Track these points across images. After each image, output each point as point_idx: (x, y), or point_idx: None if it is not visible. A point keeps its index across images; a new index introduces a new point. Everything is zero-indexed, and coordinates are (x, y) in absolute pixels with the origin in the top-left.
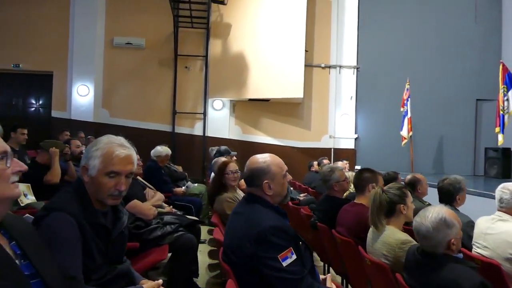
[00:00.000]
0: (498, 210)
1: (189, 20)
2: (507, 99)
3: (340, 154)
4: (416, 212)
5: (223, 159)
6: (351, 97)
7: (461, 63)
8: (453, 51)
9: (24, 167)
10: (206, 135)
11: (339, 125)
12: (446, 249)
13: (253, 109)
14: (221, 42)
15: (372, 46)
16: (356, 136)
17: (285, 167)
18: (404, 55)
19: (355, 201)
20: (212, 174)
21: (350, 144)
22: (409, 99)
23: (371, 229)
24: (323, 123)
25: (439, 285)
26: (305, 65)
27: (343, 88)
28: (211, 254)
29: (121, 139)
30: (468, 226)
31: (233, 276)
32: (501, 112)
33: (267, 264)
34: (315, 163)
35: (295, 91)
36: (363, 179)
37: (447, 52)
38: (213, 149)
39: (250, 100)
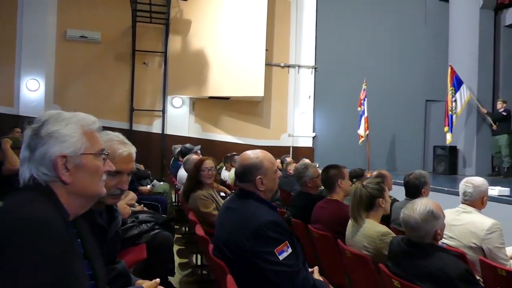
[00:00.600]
0: (462, 203)
1: (147, 15)
2: (455, 100)
3: (298, 152)
4: None
5: (194, 156)
6: (309, 96)
7: (412, 65)
8: (405, 54)
9: (113, 167)
10: (165, 133)
11: (298, 124)
12: (432, 239)
13: (213, 107)
14: (180, 38)
15: (329, 47)
16: (314, 134)
17: (276, 163)
18: (360, 56)
19: (328, 197)
20: (181, 172)
21: (308, 143)
22: (365, 99)
23: (350, 223)
24: (282, 121)
25: (427, 272)
26: (265, 64)
27: (302, 88)
28: (180, 253)
29: (119, 135)
30: None
31: (228, 271)
32: (450, 113)
33: (264, 258)
34: (278, 161)
35: (256, 89)
36: (331, 176)
37: (400, 55)
38: (176, 147)
39: (210, 98)
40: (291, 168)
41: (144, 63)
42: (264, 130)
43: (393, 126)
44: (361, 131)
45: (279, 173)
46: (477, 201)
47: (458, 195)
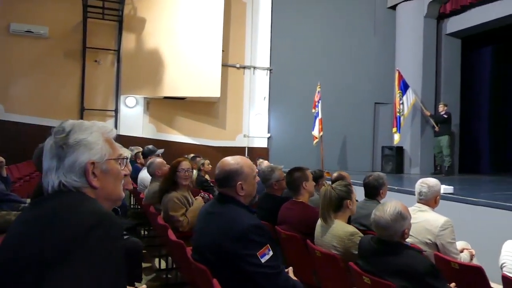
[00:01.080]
0: (418, 202)
1: (99, 11)
2: (402, 103)
3: (254, 152)
4: None
5: (159, 160)
6: (265, 97)
7: (362, 69)
8: (356, 59)
9: (128, 171)
10: (118, 133)
11: (253, 125)
12: (400, 237)
13: (168, 107)
14: (134, 36)
15: (284, 50)
16: (269, 135)
17: (256, 169)
18: (313, 59)
19: (294, 199)
20: (143, 174)
21: (263, 143)
22: (320, 101)
23: (319, 223)
24: (238, 122)
25: (397, 268)
26: (221, 65)
27: (257, 89)
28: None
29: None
30: None
31: (212, 275)
32: (398, 114)
33: (247, 261)
34: None
35: (212, 90)
36: (296, 178)
37: (351, 59)
38: (133, 149)
39: (165, 98)
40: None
41: (96, 61)
42: (219, 131)
43: (344, 128)
44: (316, 132)
45: (258, 178)
46: (431, 200)
47: (406, 193)
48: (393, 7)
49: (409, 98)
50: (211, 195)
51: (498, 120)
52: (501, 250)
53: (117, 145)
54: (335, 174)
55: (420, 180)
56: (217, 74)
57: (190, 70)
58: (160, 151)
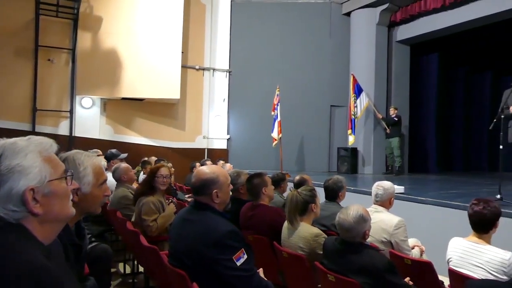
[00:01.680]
0: (374, 204)
1: (53, 8)
2: (356, 106)
3: (213, 154)
4: None
5: (124, 165)
6: (224, 99)
7: (319, 73)
8: (312, 63)
9: (77, 185)
10: (73, 135)
11: (213, 126)
12: (362, 238)
13: (126, 108)
14: (91, 35)
15: (243, 52)
16: (228, 136)
17: (229, 177)
18: (272, 62)
19: (253, 203)
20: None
21: (222, 145)
22: (279, 104)
23: (286, 226)
24: (197, 124)
25: (359, 266)
26: (181, 66)
27: (216, 90)
28: None
29: (82, 152)
30: None
31: (188, 280)
32: (352, 117)
33: (224, 265)
34: (197, 164)
35: (172, 91)
36: (255, 185)
37: (308, 63)
38: (93, 152)
39: (123, 99)
40: None
41: (49, 60)
42: (179, 132)
43: (302, 129)
44: (275, 134)
45: (230, 186)
46: (386, 202)
47: (361, 193)
48: (348, 14)
49: (363, 101)
50: (174, 198)
51: (443, 122)
52: (448, 246)
53: (88, 154)
54: (297, 177)
55: (376, 183)
56: (177, 76)
57: (149, 71)
58: (123, 155)
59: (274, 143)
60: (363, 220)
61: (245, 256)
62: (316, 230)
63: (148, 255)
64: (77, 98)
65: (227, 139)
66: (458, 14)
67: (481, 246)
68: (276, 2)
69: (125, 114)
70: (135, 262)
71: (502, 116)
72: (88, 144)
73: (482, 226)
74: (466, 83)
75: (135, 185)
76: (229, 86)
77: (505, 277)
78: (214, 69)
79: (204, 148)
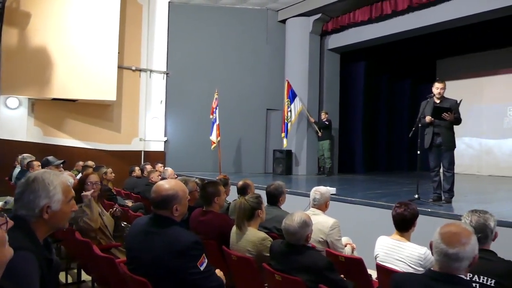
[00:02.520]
0: (312, 207)
1: None
2: (290, 110)
3: (150, 156)
4: None
5: (67, 173)
6: (161, 101)
7: (255, 78)
8: (249, 67)
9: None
10: None
11: (149, 128)
12: (305, 241)
13: (56, 109)
14: (17, 32)
15: (181, 54)
16: (165, 139)
17: (187, 190)
18: (210, 65)
19: (204, 209)
20: None
21: (160, 147)
22: (217, 107)
23: (234, 231)
24: (134, 125)
25: (303, 266)
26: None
27: (154, 92)
28: None
29: (50, 171)
30: None
31: (151, 287)
32: (286, 121)
33: (190, 272)
34: (137, 168)
35: (108, 93)
36: (209, 193)
37: (245, 67)
38: (26, 157)
39: (54, 99)
40: (154, 176)
41: None
42: (114, 134)
43: (239, 132)
44: (213, 137)
45: (188, 197)
46: (323, 205)
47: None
48: (283, 21)
49: (296, 106)
50: (117, 204)
51: (369, 126)
52: (376, 243)
53: (56, 172)
54: (240, 182)
55: (314, 188)
56: (113, 76)
57: (83, 71)
58: (59, 161)
59: (212, 146)
60: (306, 225)
61: (206, 260)
62: (262, 234)
63: (103, 264)
64: (2, 98)
65: (165, 142)
66: (383, 27)
67: (402, 243)
68: (214, 6)
69: (56, 115)
70: (80, 272)
71: (420, 125)
72: (14, 147)
73: (403, 225)
74: (389, 90)
75: None
76: (167, 88)
77: (421, 269)
78: (151, 70)
79: (141, 151)
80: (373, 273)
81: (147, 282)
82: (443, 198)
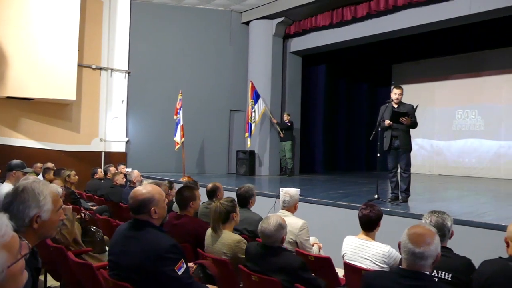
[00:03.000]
0: (282, 209)
1: None
2: (254, 111)
3: (111, 157)
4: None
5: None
6: (123, 100)
7: (219, 78)
8: (213, 68)
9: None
10: None
11: (110, 128)
12: (280, 243)
13: (11, 108)
14: None
15: (143, 53)
16: (127, 139)
17: (164, 193)
18: (174, 66)
19: (179, 213)
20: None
21: (121, 147)
22: (181, 108)
23: (209, 234)
24: (94, 125)
25: (278, 266)
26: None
27: (115, 91)
28: None
29: (39, 180)
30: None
31: None
32: (250, 121)
33: (168, 275)
34: (99, 170)
35: (67, 92)
36: (185, 197)
37: (208, 68)
38: None
39: (8, 98)
40: (118, 179)
41: None
42: (73, 135)
43: (202, 133)
44: (177, 138)
45: (167, 199)
46: (292, 207)
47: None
48: (247, 23)
49: (260, 107)
50: (82, 208)
51: (329, 127)
52: (342, 243)
53: (45, 182)
54: (210, 185)
55: (284, 191)
56: (72, 75)
57: (40, 69)
58: (28, 170)
59: (176, 147)
60: (281, 227)
61: (185, 265)
62: (238, 237)
63: (79, 270)
64: None
65: (126, 142)
66: (343, 32)
67: (368, 242)
68: (177, 6)
69: (10, 114)
70: (46, 277)
71: (379, 129)
72: None
73: (369, 226)
74: (348, 93)
75: None
76: (128, 87)
77: (385, 266)
78: (112, 69)
79: (101, 151)
80: (339, 271)
81: (129, 286)
82: (400, 197)
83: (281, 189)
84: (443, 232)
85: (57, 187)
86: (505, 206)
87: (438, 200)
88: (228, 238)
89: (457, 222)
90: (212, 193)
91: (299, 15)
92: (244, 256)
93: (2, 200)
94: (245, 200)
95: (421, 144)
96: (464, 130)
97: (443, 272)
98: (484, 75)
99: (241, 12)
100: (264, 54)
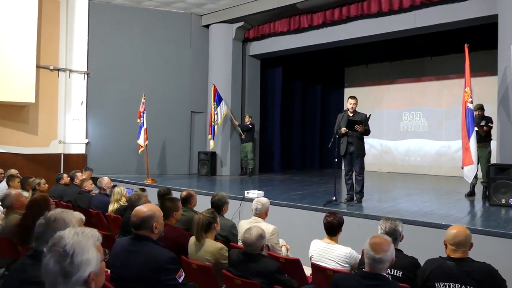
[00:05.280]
0: (254, 216)
1: None
2: (217, 113)
3: (70, 159)
4: (191, 220)
5: (15, 191)
6: (82, 102)
7: (180, 81)
8: (174, 70)
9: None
10: None
11: (69, 130)
12: (260, 250)
13: None
14: None
15: (103, 54)
16: (87, 141)
17: (162, 212)
18: (134, 67)
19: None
20: None
21: (81, 149)
22: (145, 112)
23: (193, 242)
24: (52, 127)
25: (258, 271)
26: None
27: (74, 93)
28: None
29: (66, 210)
30: (233, 227)
31: None
32: (213, 124)
33: (169, 284)
34: (65, 175)
35: (25, 94)
36: (168, 208)
37: (169, 70)
38: None
39: None
40: (87, 185)
41: None
42: (30, 137)
43: (163, 134)
44: (141, 141)
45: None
46: (263, 214)
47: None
48: (207, 26)
49: (222, 109)
50: None
51: (286, 128)
52: (310, 245)
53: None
54: (184, 193)
55: (256, 199)
56: (31, 77)
57: None
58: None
59: (140, 150)
60: (261, 237)
61: (183, 274)
62: (220, 244)
63: None
64: None
65: (86, 144)
66: (300, 38)
67: (332, 246)
68: (137, 7)
69: None
70: None
71: (337, 136)
72: None
73: (333, 231)
74: (303, 94)
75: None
76: (88, 89)
77: (347, 265)
78: (70, 70)
79: (60, 154)
80: (306, 270)
81: None
82: (355, 198)
83: (246, 192)
84: (395, 236)
85: (80, 215)
86: (445, 205)
87: (388, 199)
88: (211, 246)
89: (405, 222)
90: (186, 201)
91: (258, 20)
92: (225, 262)
93: None
94: (218, 207)
95: (371, 143)
96: (410, 131)
97: (395, 270)
98: (427, 80)
99: (201, 16)
100: (224, 57)
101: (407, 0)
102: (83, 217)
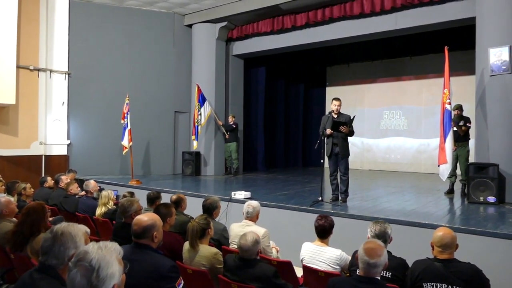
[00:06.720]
0: (245, 219)
1: None
2: (200, 114)
3: (52, 160)
4: (182, 223)
5: (4, 198)
6: (63, 102)
7: (163, 80)
8: (157, 70)
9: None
10: None
11: (51, 131)
12: (256, 255)
13: None
14: None
15: (84, 54)
16: (69, 142)
17: (161, 221)
18: (116, 67)
19: None
20: None
21: (62, 151)
22: (129, 112)
23: (187, 248)
24: (33, 128)
25: (255, 276)
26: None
27: (54, 93)
28: None
29: (69, 223)
30: (224, 231)
31: None
32: (196, 124)
33: None
34: (49, 178)
35: (6, 96)
36: (162, 214)
37: (152, 69)
38: None
39: None
40: (73, 188)
41: None
42: (10, 138)
43: (147, 134)
44: (125, 142)
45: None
46: (254, 217)
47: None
48: (190, 26)
49: (206, 109)
50: None
51: (269, 127)
52: (301, 247)
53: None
54: (174, 197)
55: (247, 203)
56: (11, 78)
57: None
58: None
59: (124, 151)
60: (257, 242)
61: (182, 282)
62: (214, 249)
63: None
64: None
65: (68, 145)
66: (283, 39)
67: (323, 248)
68: (119, 7)
69: None
70: None
71: (323, 138)
72: None
73: (324, 234)
74: (286, 93)
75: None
76: (69, 89)
77: (338, 267)
78: (51, 70)
79: (41, 155)
80: (297, 271)
81: None
82: (340, 198)
83: (232, 193)
84: (385, 238)
85: (85, 228)
86: (426, 203)
87: (370, 198)
88: (206, 251)
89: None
90: (177, 204)
91: (242, 20)
92: (220, 267)
93: None
94: (209, 211)
95: (352, 141)
96: (390, 129)
97: (385, 271)
98: (407, 79)
99: (184, 15)
100: (207, 56)
101: (388, 2)
102: (88, 230)
